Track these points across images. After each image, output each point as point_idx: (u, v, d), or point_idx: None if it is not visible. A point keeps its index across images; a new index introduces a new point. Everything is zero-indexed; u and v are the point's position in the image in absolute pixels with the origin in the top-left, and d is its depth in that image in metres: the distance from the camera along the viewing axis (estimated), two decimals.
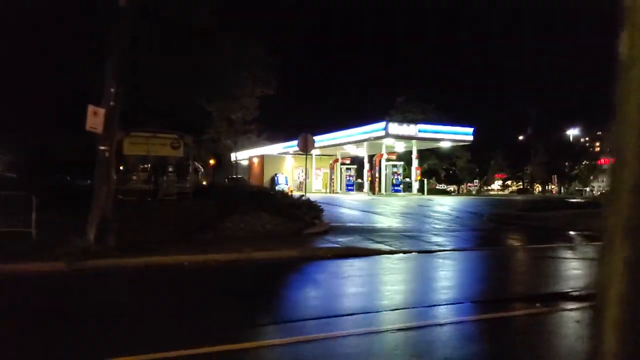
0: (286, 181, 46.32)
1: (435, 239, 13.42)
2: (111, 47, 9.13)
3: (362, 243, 12.08)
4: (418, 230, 15.05)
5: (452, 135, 35.11)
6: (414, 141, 35.89)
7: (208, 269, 8.77)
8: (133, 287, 7.39)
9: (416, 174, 36.80)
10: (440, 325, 5.22)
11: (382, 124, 32.02)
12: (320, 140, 40.82)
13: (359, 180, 43.04)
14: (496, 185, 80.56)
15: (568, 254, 12.19)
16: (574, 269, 9.91)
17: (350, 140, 36.61)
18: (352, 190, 41.40)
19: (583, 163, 54.89)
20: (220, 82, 16.88)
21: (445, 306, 6.12)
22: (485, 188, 73.81)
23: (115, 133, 9.62)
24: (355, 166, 43.02)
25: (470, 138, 35.30)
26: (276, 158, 47.43)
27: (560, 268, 10.09)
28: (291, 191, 19.59)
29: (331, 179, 42.63)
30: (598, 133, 78.67)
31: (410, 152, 38.18)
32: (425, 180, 39.29)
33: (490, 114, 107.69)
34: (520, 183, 67.02)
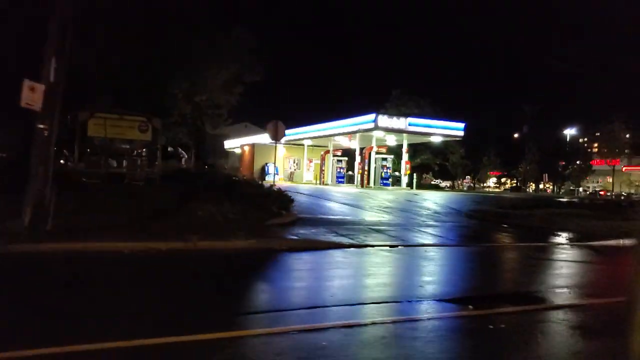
0: (277, 171, 45.84)
1: (402, 233, 13.01)
2: (54, 9, 8.55)
3: (324, 236, 11.66)
4: (389, 225, 14.63)
5: (443, 130, 34.59)
6: (404, 135, 35.39)
7: (145, 258, 8.33)
8: (53, 274, 6.96)
9: (406, 168, 36.35)
10: (337, 328, 4.79)
11: (372, 116, 31.50)
12: (311, 130, 40.37)
13: (350, 173, 42.56)
14: (492, 182, 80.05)
15: (535, 253, 11.79)
16: (531, 269, 9.50)
17: (340, 131, 36.12)
18: (342, 182, 40.96)
19: (577, 163, 54.28)
20: (195, 62, 16.31)
21: (364, 305, 5.69)
22: (481, 185, 73.19)
23: (58, 111, 9.12)
24: (346, 158, 42.53)
25: (461, 133, 34.79)
26: (268, 147, 46.80)
27: (517, 268, 9.69)
28: (261, 181, 19.06)
29: (321, 170, 42.13)
30: (597, 134, 77.94)
31: (402, 146, 37.69)
32: (415, 174, 38.79)
33: (487, 111, 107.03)
34: (515, 181, 66.46)
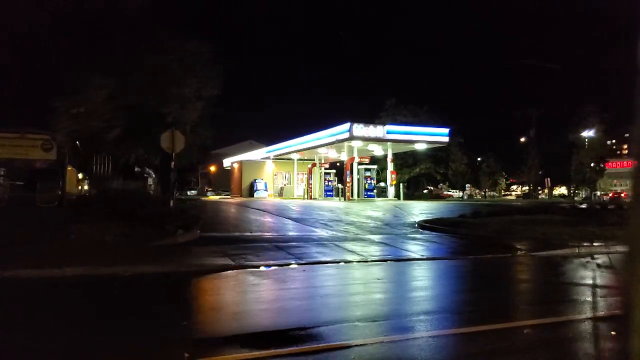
0: (265, 187, 44.71)
1: (309, 250, 11.46)
2: None
3: (206, 258, 10.20)
4: (308, 240, 13.11)
5: (426, 137, 32.85)
6: (388, 144, 33.78)
7: None
8: None
9: (391, 178, 34.57)
10: None
11: (347, 126, 30.06)
12: (295, 144, 39.14)
13: (339, 186, 41.03)
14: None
15: (428, 270, 10.17)
16: (395, 295, 7.90)
17: (320, 143, 34.74)
18: (331, 195, 39.37)
19: (590, 165, 51.17)
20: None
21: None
22: (500, 193, 69.68)
23: None
24: (334, 171, 41.04)
25: (446, 139, 33.01)
26: (256, 163, 45.85)
27: (376, 292, 8.11)
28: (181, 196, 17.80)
29: (309, 184, 40.69)
30: (626, 135, 74.32)
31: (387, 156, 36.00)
32: (402, 185, 36.94)
33: (491, 117, 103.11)
34: (526, 187, 63.30)
